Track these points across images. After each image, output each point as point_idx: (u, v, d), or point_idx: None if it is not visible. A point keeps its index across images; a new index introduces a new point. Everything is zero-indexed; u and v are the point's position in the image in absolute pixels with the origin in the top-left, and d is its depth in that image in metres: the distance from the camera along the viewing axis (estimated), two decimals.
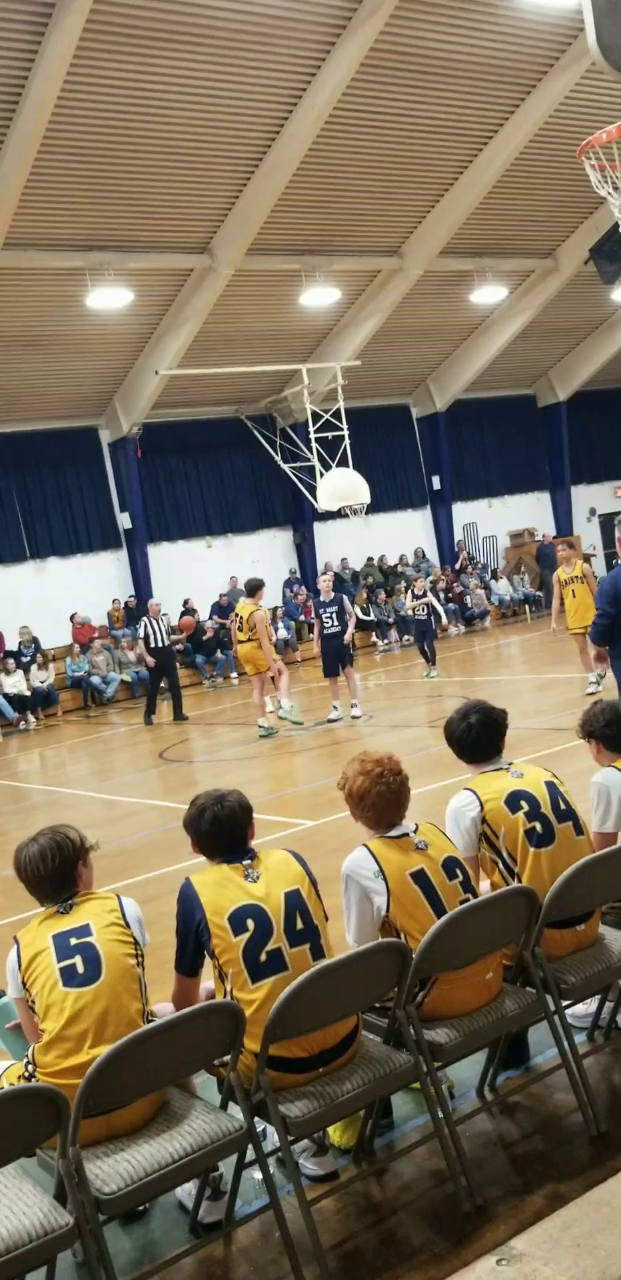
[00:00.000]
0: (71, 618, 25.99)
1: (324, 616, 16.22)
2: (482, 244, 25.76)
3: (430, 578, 29.85)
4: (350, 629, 16.14)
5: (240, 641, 16.03)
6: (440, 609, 20.10)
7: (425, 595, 19.77)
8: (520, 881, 4.40)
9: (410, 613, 20.19)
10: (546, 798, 4.58)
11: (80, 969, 3.70)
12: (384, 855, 4.21)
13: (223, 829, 4.10)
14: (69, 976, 3.69)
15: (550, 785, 4.65)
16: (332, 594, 16.50)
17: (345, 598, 16.55)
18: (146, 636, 19.77)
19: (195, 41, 17.24)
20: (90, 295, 21.74)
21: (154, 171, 19.72)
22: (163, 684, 20.46)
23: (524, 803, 4.53)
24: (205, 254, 22.46)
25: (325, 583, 17.11)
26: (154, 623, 19.71)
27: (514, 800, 4.53)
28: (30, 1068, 3.72)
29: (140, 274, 22.25)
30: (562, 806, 4.60)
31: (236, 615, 16.28)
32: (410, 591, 20.60)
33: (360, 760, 4.41)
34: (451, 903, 4.16)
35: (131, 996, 3.75)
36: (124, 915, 3.91)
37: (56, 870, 3.92)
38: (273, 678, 16.14)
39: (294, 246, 23.34)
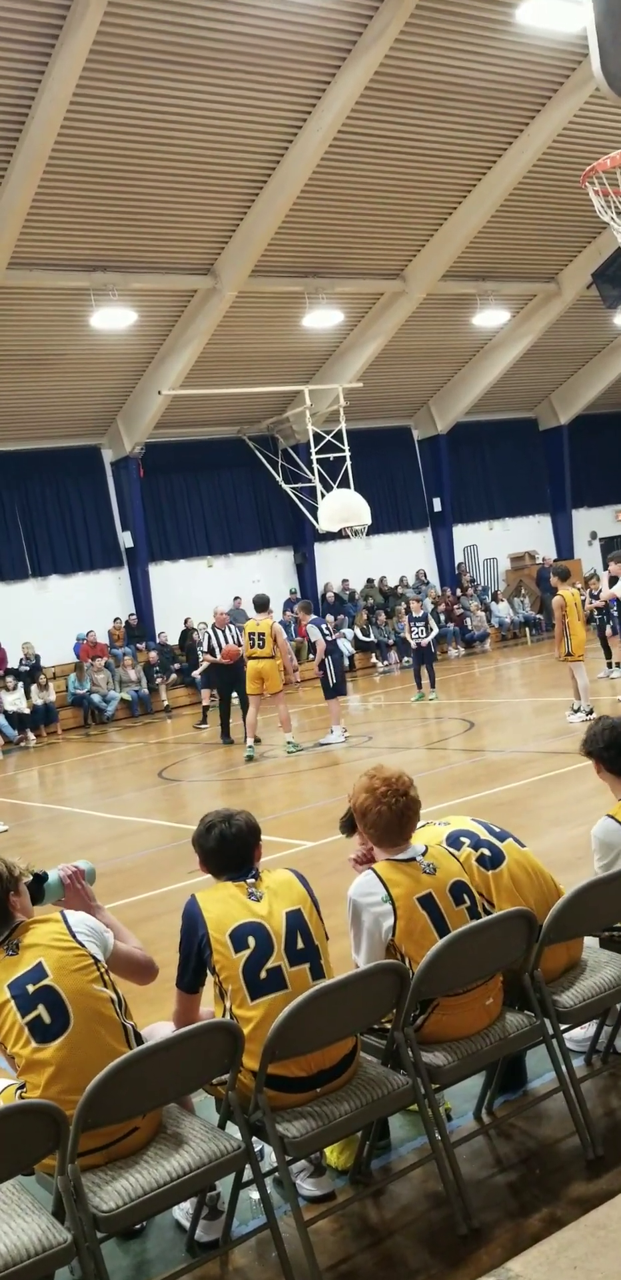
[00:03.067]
0: (87, 635, 25.99)
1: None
2: (485, 268, 25.87)
3: (427, 599, 29.94)
4: (318, 657, 16.30)
5: (258, 658, 15.77)
6: (435, 628, 19.88)
7: (424, 618, 19.59)
8: (494, 906, 4.43)
9: (409, 639, 19.99)
10: (480, 828, 4.69)
11: (46, 1019, 3.59)
12: (391, 879, 4.18)
13: (228, 848, 4.10)
14: (39, 1031, 3.58)
15: (475, 821, 4.75)
16: (310, 618, 16.89)
17: (314, 626, 16.61)
18: (211, 649, 18.57)
19: (200, 64, 17.36)
20: (94, 315, 21.84)
21: (158, 193, 19.82)
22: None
23: (464, 838, 4.62)
24: (209, 275, 22.55)
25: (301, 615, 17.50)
26: (220, 633, 18.46)
27: (454, 839, 4.60)
28: (22, 1091, 3.67)
29: (144, 294, 22.35)
30: (496, 829, 4.71)
31: (253, 633, 15.91)
32: (408, 615, 20.36)
33: (368, 777, 4.38)
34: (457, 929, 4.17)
35: (107, 1025, 3.67)
36: (73, 934, 3.80)
37: None
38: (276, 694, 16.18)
39: (297, 268, 23.45)
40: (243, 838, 4.12)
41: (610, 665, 18.77)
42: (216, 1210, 3.93)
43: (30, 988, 3.63)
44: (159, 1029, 4.09)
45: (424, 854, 4.29)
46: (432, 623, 19.75)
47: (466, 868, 4.48)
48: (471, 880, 4.45)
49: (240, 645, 17.52)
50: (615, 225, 8.74)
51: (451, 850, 4.50)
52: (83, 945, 3.79)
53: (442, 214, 23.48)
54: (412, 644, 19.72)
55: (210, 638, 18.79)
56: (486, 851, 4.57)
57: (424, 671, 19.71)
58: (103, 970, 3.78)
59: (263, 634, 15.83)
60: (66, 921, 3.86)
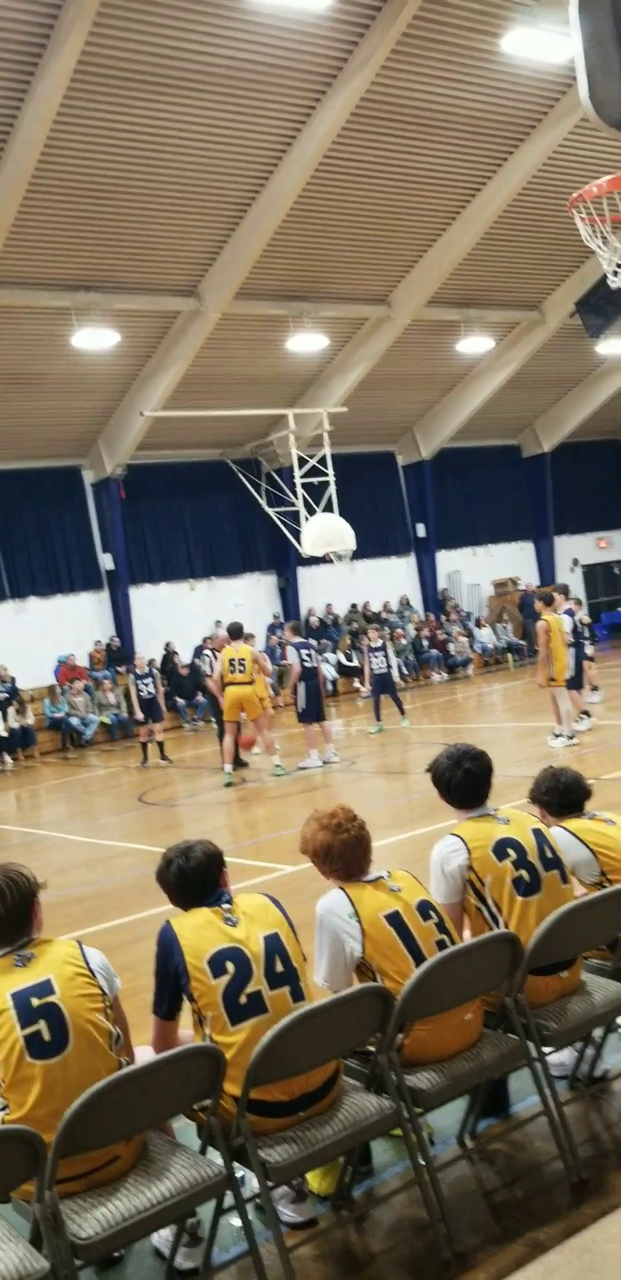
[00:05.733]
0: (67, 658, 25.85)
1: None
2: (470, 295, 25.99)
3: (410, 624, 29.98)
4: (291, 680, 16.59)
5: (238, 684, 15.61)
6: (393, 659, 19.53)
7: (382, 647, 19.29)
8: (505, 929, 4.39)
9: (366, 667, 19.79)
10: (533, 845, 4.57)
11: (46, 1036, 3.55)
12: (358, 897, 4.23)
13: (188, 881, 4.09)
14: (36, 1046, 3.54)
15: (537, 832, 4.65)
16: (294, 640, 16.98)
17: (293, 649, 16.63)
18: (211, 674, 17.94)
19: (186, 86, 17.41)
20: (76, 335, 21.79)
21: (142, 213, 19.85)
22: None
23: (511, 850, 4.52)
24: (193, 297, 22.58)
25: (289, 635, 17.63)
26: (219, 656, 17.78)
27: (501, 848, 4.52)
28: (5, 1114, 3.60)
29: (127, 315, 22.34)
30: (548, 854, 4.60)
31: (233, 659, 15.74)
32: (366, 644, 20.14)
33: (315, 819, 4.43)
34: (427, 944, 4.17)
35: (102, 1056, 3.64)
36: (87, 964, 3.79)
37: (15, 908, 3.77)
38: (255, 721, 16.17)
39: (282, 292, 23.50)
40: (202, 868, 4.11)
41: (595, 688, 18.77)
42: (197, 1237, 3.89)
43: (35, 1001, 3.60)
44: (139, 1054, 4.03)
45: (389, 875, 4.35)
46: (391, 654, 19.47)
47: (498, 881, 4.47)
48: (499, 897, 4.45)
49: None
50: (601, 253, 8.78)
51: (494, 858, 4.49)
52: (95, 976, 3.78)
53: (427, 240, 23.61)
54: (374, 670, 19.41)
55: (210, 662, 18.50)
56: (525, 875, 4.49)
57: (388, 701, 19.30)
58: (107, 1005, 3.77)
59: (243, 659, 15.73)
60: (82, 949, 3.86)
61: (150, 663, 21.98)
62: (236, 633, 16.27)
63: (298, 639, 17.05)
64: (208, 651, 18.97)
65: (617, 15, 6.35)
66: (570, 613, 15.58)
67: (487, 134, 20.93)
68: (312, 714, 16.29)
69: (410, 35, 17.69)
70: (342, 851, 4.32)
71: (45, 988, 3.63)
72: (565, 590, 16.70)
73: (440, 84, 19.15)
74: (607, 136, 6.89)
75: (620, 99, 6.48)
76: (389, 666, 19.31)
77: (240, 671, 15.66)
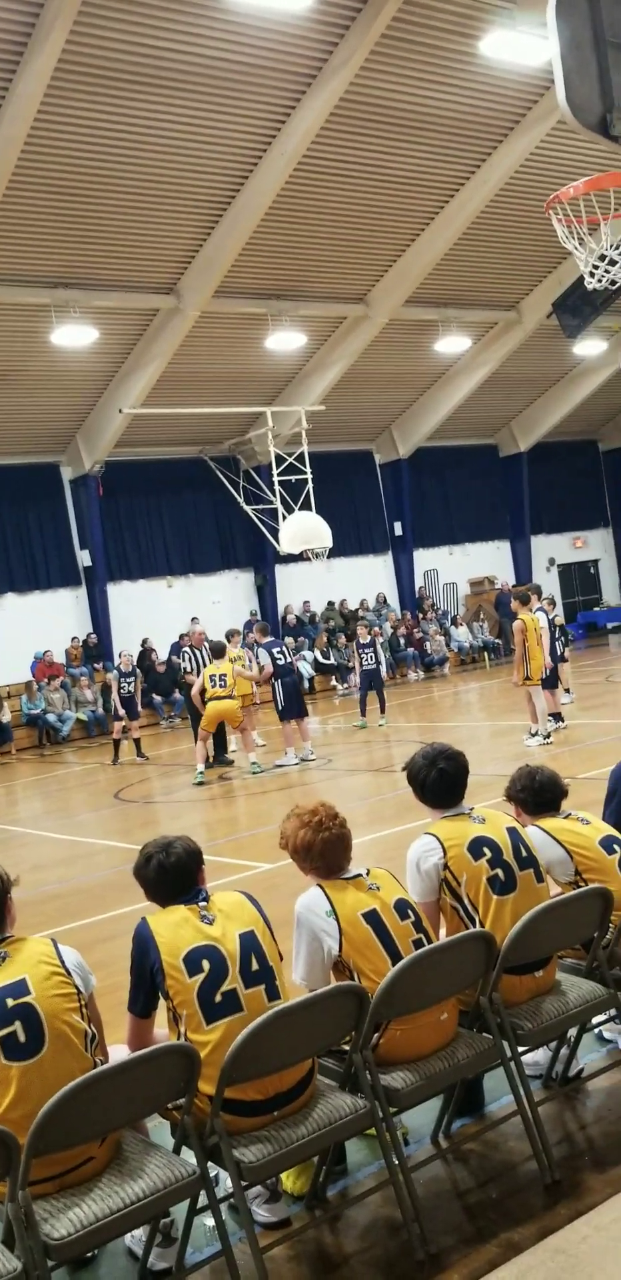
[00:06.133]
0: (44, 654, 25.74)
1: None
2: (447, 295, 26.04)
3: (387, 623, 30.02)
4: (263, 680, 16.57)
5: (218, 698, 15.79)
6: (382, 656, 19.87)
7: (371, 644, 19.51)
8: (481, 928, 4.39)
9: (357, 663, 20.02)
10: (508, 844, 4.58)
11: (21, 1037, 3.51)
12: (336, 895, 4.22)
13: (168, 877, 4.07)
14: (10, 1047, 3.50)
15: (512, 831, 4.65)
16: (265, 640, 16.99)
17: (264, 650, 16.61)
18: (191, 670, 18.01)
19: (167, 85, 17.37)
20: (55, 332, 21.73)
21: (122, 211, 19.80)
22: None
23: (486, 849, 4.52)
24: (172, 295, 22.53)
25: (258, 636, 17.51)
26: (198, 653, 18.04)
27: (476, 847, 4.52)
28: None
29: (106, 312, 22.29)
30: (524, 853, 4.61)
31: (214, 675, 15.95)
32: (355, 641, 20.38)
33: (296, 815, 4.41)
34: (404, 943, 4.16)
35: (77, 1057, 3.60)
36: (62, 962, 3.75)
37: None
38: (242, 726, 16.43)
39: (260, 290, 23.48)
40: (182, 865, 4.08)
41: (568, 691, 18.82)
42: (170, 1237, 3.87)
43: (10, 1001, 3.56)
44: (113, 1053, 4.02)
45: (367, 874, 4.35)
46: (380, 651, 19.77)
47: (473, 880, 4.47)
48: (475, 895, 4.46)
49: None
50: (578, 254, 8.83)
51: (470, 857, 4.49)
52: (70, 975, 3.74)
53: (405, 240, 23.63)
54: (363, 666, 19.59)
55: (189, 658, 18.45)
56: (500, 874, 4.50)
57: (373, 697, 19.52)
58: (82, 1003, 3.73)
59: (224, 675, 15.94)
60: (56, 947, 3.82)
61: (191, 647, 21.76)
62: (219, 652, 16.53)
63: (267, 639, 17.08)
64: (186, 649, 18.94)
65: (594, 19, 6.39)
66: (543, 612, 15.67)
67: (466, 135, 20.97)
68: (292, 711, 16.33)
69: (389, 37, 17.71)
70: (323, 849, 4.31)
71: (20, 988, 3.59)
72: (538, 590, 16.77)
73: (419, 85, 19.19)
74: (584, 139, 6.90)
75: (596, 102, 6.52)
76: (378, 663, 19.53)
77: (220, 686, 15.87)
